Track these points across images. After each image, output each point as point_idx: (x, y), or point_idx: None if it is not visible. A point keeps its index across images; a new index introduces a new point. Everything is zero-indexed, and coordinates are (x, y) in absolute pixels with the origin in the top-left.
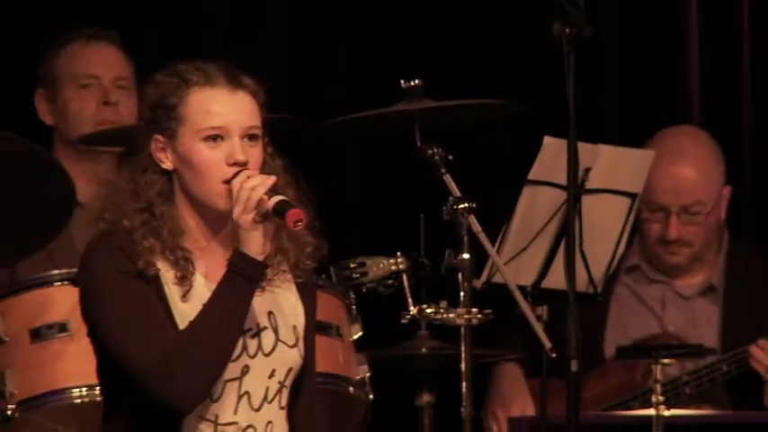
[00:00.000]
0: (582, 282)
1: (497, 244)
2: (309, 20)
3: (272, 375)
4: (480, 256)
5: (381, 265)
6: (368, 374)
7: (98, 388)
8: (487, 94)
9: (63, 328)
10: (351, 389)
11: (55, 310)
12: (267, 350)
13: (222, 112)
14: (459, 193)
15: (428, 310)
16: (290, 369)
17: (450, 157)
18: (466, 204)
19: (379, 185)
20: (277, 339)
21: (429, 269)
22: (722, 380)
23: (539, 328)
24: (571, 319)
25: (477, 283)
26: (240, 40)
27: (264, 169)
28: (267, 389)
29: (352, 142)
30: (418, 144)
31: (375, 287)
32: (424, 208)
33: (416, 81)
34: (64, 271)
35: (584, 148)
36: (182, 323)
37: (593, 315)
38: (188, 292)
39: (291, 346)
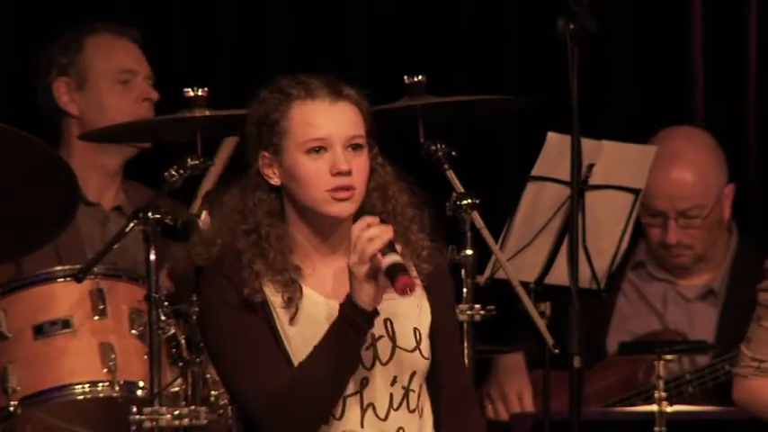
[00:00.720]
0: (585, 278)
1: (500, 240)
2: (312, 15)
3: (393, 382)
4: (483, 252)
5: None
6: None
7: (100, 384)
8: (490, 90)
9: (66, 324)
10: None
11: (58, 306)
12: (384, 359)
13: (323, 123)
14: (462, 189)
15: None
16: (414, 373)
17: (454, 153)
18: (469, 200)
19: None
20: (394, 346)
21: None
22: (725, 379)
23: (541, 325)
24: (574, 315)
25: (480, 279)
26: (243, 36)
27: (374, 178)
28: (391, 396)
29: None
30: (421, 140)
31: None
32: (427, 204)
33: (419, 77)
34: (67, 267)
35: (587, 143)
36: (291, 346)
37: (599, 310)
38: (295, 315)
39: (411, 351)
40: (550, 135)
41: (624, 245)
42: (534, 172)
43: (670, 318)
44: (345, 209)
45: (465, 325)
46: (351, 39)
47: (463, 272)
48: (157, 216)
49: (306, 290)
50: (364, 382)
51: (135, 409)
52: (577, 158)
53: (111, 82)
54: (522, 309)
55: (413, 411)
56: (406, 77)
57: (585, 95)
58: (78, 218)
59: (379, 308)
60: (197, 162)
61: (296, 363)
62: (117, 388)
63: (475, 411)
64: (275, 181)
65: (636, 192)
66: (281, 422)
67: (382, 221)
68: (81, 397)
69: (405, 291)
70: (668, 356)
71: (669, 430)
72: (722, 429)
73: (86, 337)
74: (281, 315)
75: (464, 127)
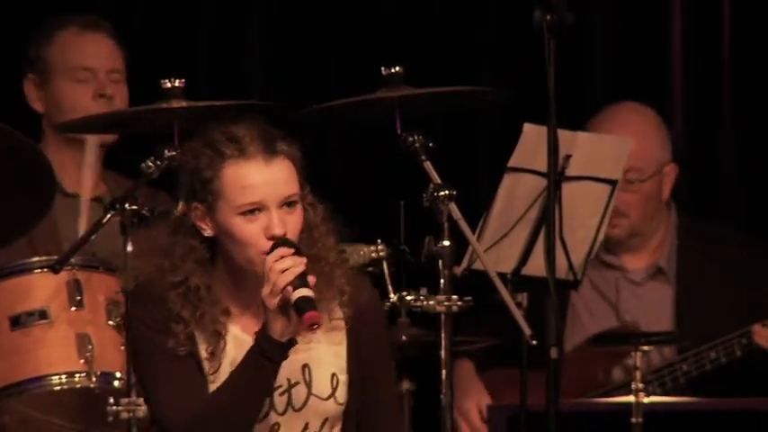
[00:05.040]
0: (562, 269)
1: (477, 231)
2: (290, 5)
3: (305, 429)
4: (460, 244)
5: (361, 253)
6: None
7: (77, 375)
8: (467, 82)
9: (43, 315)
10: None
11: (35, 297)
12: (298, 405)
13: (257, 185)
14: (439, 181)
15: (408, 298)
16: (326, 419)
17: (431, 145)
18: (446, 191)
19: (359, 172)
20: (309, 393)
21: (409, 256)
22: (711, 367)
23: (519, 316)
24: (551, 306)
25: (458, 271)
26: (220, 27)
27: (305, 220)
28: None
29: (332, 129)
30: (398, 131)
31: None
32: (405, 195)
33: (397, 68)
34: (44, 258)
35: (563, 135)
36: (212, 385)
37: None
38: (217, 369)
39: (326, 398)
40: (527, 126)
41: (601, 236)
42: (511, 163)
43: (624, 306)
44: None
45: (442, 316)
46: (328, 30)
47: (440, 263)
48: (134, 207)
49: (235, 330)
50: (275, 427)
51: (112, 400)
52: (554, 150)
53: (69, 79)
54: (500, 300)
55: None
56: (383, 68)
57: (562, 87)
58: (55, 209)
59: (297, 352)
60: (174, 153)
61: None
62: (94, 379)
63: None
64: (208, 233)
65: (613, 183)
66: None
67: (296, 252)
68: (58, 388)
69: (311, 326)
70: (645, 347)
71: (646, 421)
72: (699, 420)
73: (63, 327)
74: (203, 357)
75: (441, 118)
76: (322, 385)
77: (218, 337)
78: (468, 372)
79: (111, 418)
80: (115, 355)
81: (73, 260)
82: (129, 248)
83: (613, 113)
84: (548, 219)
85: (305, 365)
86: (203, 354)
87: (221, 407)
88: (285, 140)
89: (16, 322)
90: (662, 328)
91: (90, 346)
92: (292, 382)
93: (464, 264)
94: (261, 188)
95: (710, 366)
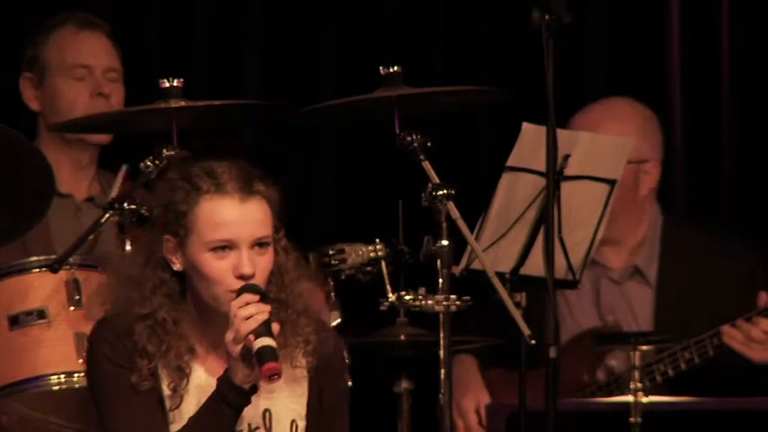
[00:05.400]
0: (560, 268)
1: (476, 230)
2: (287, 5)
3: None
4: (459, 243)
5: (360, 252)
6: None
7: (76, 375)
8: (466, 81)
9: (41, 314)
10: None
11: (33, 296)
12: None
13: (230, 223)
14: (437, 180)
15: (407, 297)
16: None
17: (429, 144)
18: (444, 191)
19: (358, 172)
20: None
21: (408, 256)
22: (686, 367)
23: (517, 315)
24: (550, 305)
25: (456, 270)
26: (218, 27)
27: (277, 264)
28: None
29: (330, 128)
30: (397, 131)
31: (354, 274)
32: (403, 195)
33: (395, 68)
34: (42, 258)
35: (562, 134)
36: (175, 423)
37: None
38: (178, 406)
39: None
40: (526, 126)
41: (600, 235)
42: (509, 163)
43: (605, 306)
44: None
45: (441, 316)
46: (327, 29)
47: (439, 262)
48: (133, 207)
49: (199, 371)
50: None
51: None
52: (553, 149)
53: (66, 78)
54: (498, 299)
55: None
56: (381, 68)
57: (560, 86)
58: (50, 210)
59: (259, 397)
60: (172, 153)
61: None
62: None
63: None
64: (177, 267)
65: (611, 182)
66: None
67: (262, 299)
68: (57, 388)
69: (270, 377)
70: (643, 347)
71: (644, 421)
72: (698, 420)
73: (62, 327)
74: (166, 394)
75: (440, 118)
76: (282, 431)
77: (181, 373)
78: (469, 369)
79: None
80: None
81: (71, 259)
82: (128, 248)
83: (602, 104)
84: (546, 218)
85: (266, 411)
86: (166, 390)
87: None
88: (264, 181)
89: (15, 322)
90: (642, 328)
91: None
92: (253, 426)
93: (463, 263)
94: (233, 226)
95: (686, 366)
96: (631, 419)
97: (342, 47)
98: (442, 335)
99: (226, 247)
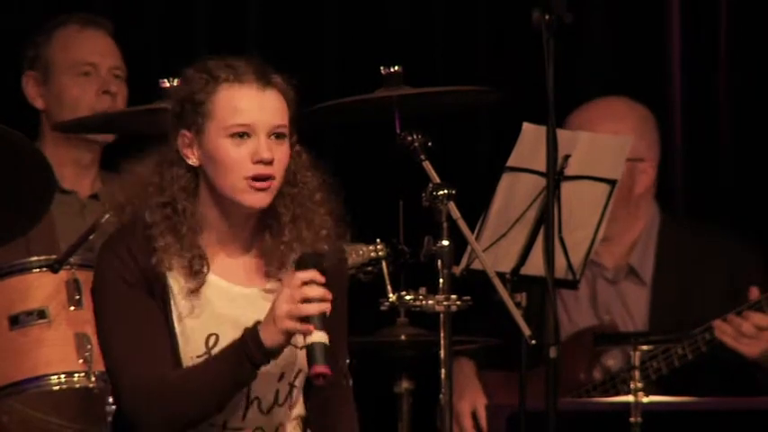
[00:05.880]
0: (561, 268)
1: (476, 231)
2: (287, 5)
3: (281, 378)
4: (459, 243)
5: (361, 252)
6: None
7: (76, 375)
8: (467, 81)
9: (42, 314)
10: None
11: (34, 296)
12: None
13: (249, 109)
14: (438, 180)
15: (407, 297)
16: (300, 370)
17: (430, 144)
18: (445, 191)
19: (358, 172)
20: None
21: (408, 256)
22: (679, 364)
23: (518, 315)
24: (550, 305)
25: (457, 270)
26: (218, 27)
27: (290, 166)
28: (277, 392)
29: (331, 128)
30: (398, 130)
31: (354, 274)
32: (404, 195)
33: (396, 67)
34: (42, 258)
35: (563, 134)
36: (183, 339)
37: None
38: (197, 293)
39: (300, 348)
40: (526, 126)
41: (600, 235)
42: (510, 163)
43: (602, 305)
44: (262, 200)
45: (441, 316)
46: (327, 29)
47: (439, 262)
48: None
49: (209, 275)
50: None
51: (111, 400)
52: (553, 149)
53: (72, 75)
54: (499, 299)
55: (291, 408)
56: (382, 68)
57: (561, 87)
58: (52, 207)
59: (270, 301)
60: None
61: (183, 354)
62: (93, 379)
63: (348, 410)
64: (193, 161)
65: (612, 182)
66: (152, 418)
67: (323, 274)
68: (57, 388)
69: (317, 377)
70: (644, 347)
71: (644, 421)
72: (697, 420)
73: (62, 327)
74: (179, 304)
75: (440, 118)
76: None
77: (199, 261)
78: (466, 372)
79: (110, 419)
80: None
81: (72, 259)
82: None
83: (598, 102)
84: (547, 218)
85: None
86: (180, 288)
87: (189, 392)
88: (281, 76)
89: (15, 322)
90: (638, 328)
91: (89, 346)
92: None
93: (463, 263)
94: (252, 112)
95: (679, 363)
96: (631, 419)
97: (342, 47)
98: (442, 335)
99: (244, 134)
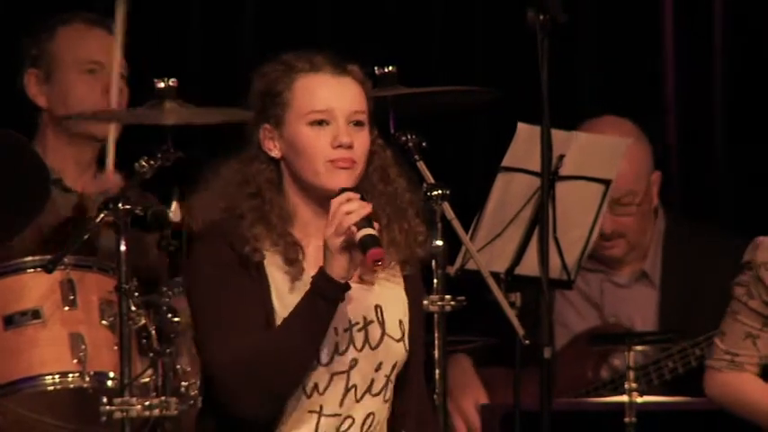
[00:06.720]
0: (555, 268)
1: (471, 231)
2: (282, 5)
3: (378, 368)
4: (454, 243)
5: None
6: None
7: (70, 375)
8: (462, 81)
9: (36, 314)
10: None
11: (28, 296)
12: (374, 343)
13: (326, 95)
14: (432, 180)
15: None
16: (396, 363)
17: (424, 144)
18: (439, 191)
19: None
20: (383, 333)
21: None
22: (696, 365)
23: (512, 315)
24: (544, 305)
25: (451, 270)
26: (213, 27)
27: (374, 159)
28: (373, 381)
29: None
30: (392, 131)
31: None
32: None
33: (390, 67)
34: (37, 258)
35: (557, 134)
36: (283, 314)
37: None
38: (296, 281)
39: (397, 340)
40: (521, 126)
41: (594, 235)
42: (504, 163)
43: (609, 308)
44: (345, 179)
45: (436, 316)
46: (321, 29)
47: (434, 263)
48: (127, 207)
49: (305, 262)
50: (353, 363)
51: (105, 400)
52: (548, 149)
53: (78, 72)
54: (493, 299)
55: (386, 401)
56: (376, 68)
57: (555, 86)
58: (58, 204)
59: (370, 292)
60: (167, 153)
61: None
62: (87, 379)
63: (428, 415)
64: (275, 153)
65: (606, 182)
66: (248, 391)
67: (363, 199)
68: (51, 388)
69: (375, 262)
70: (638, 347)
71: (639, 421)
72: (691, 420)
73: (56, 327)
74: (279, 282)
75: (434, 118)
76: (393, 327)
77: (294, 247)
78: (465, 368)
79: (104, 418)
80: (108, 354)
81: (66, 260)
82: (123, 248)
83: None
84: (541, 218)
85: (377, 306)
86: (278, 267)
87: (277, 350)
88: (357, 65)
89: (9, 322)
90: (646, 329)
91: (83, 346)
92: (368, 319)
93: (457, 263)
94: (330, 98)
95: (670, 376)
96: (626, 419)
97: (337, 47)
98: (436, 335)
99: (323, 121)
